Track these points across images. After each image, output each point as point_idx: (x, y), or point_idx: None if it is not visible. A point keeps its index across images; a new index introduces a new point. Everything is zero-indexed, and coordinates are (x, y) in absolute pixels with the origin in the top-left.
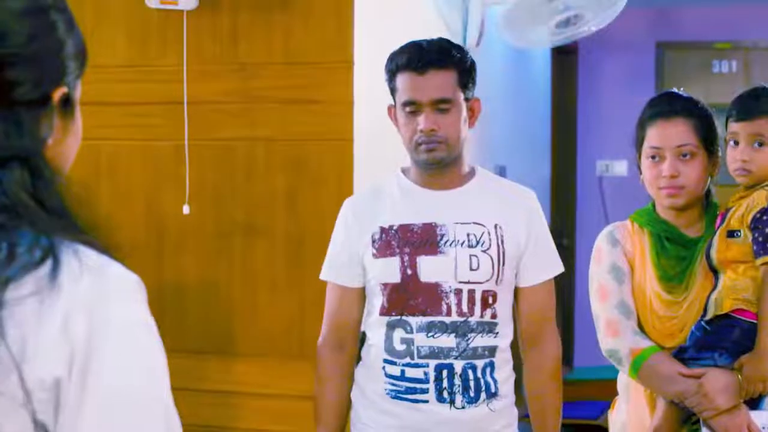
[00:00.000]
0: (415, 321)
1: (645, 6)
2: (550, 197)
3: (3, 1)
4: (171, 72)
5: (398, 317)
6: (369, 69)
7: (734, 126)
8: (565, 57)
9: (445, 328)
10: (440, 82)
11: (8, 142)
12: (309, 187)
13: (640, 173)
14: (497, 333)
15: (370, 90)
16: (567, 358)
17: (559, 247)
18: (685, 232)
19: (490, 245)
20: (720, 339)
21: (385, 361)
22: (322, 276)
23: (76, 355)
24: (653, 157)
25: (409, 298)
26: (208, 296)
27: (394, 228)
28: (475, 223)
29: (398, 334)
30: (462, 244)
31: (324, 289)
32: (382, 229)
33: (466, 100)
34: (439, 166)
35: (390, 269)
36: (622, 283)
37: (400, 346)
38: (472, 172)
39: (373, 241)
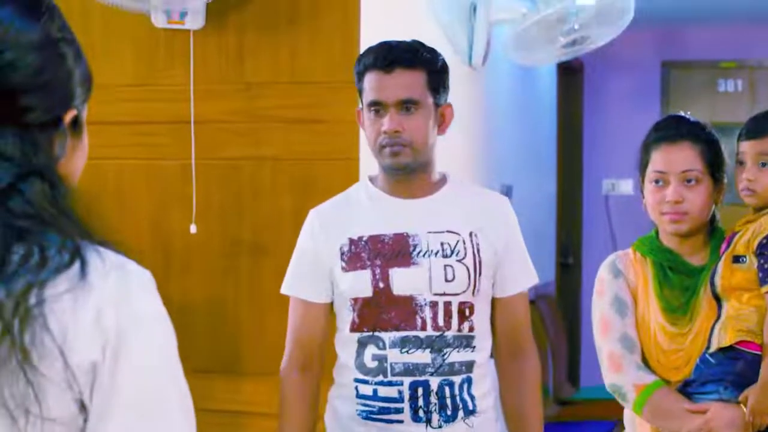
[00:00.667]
0: (387, 336)
1: (650, 25)
2: (556, 215)
3: (16, 35)
4: (177, 91)
5: (370, 333)
6: None
7: (743, 145)
8: (570, 76)
9: (420, 344)
10: (407, 81)
11: (26, 159)
12: (315, 205)
13: (643, 197)
14: (474, 347)
15: None
16: (573, 378)
17: (565, 265)
18: (688, 260)
19: (465, 254)
20: (724, 372)
21: (357, 380)
22: (284, 290)
23: (109, 342)
24: (657, 182)
25: (381, 312)
26: (215, 315)
27: (364, 239)
28: (449, 231)
29: (370, 350)
30: (436, 254)
31: None
32: (351, 241)
33: (437, 105)
34: (404, 171)
35: (361, 283)
36: (624, 316)
37: (371, 363)
38: (443, 180)
39: (342, 254)
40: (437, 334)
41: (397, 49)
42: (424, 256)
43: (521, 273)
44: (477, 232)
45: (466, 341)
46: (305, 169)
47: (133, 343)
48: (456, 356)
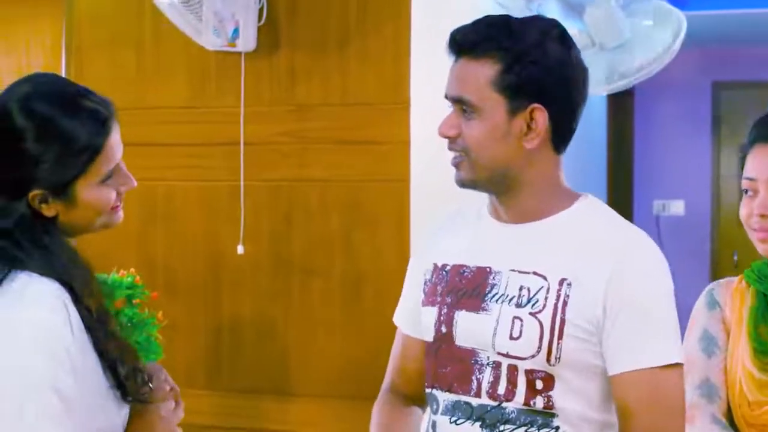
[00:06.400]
0: (442, 398)
1: (700, 46)
2: None
3: None
4: (228, 113)
5: (429, 389)
6: (425, 110)
7: None
8: (620, 98)
9: (469, 413)
10: (464, 75)
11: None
12: (365, 227)
13: None
14: (556, 430)
15: (426, 131)
16: None
17: None
18: None
19: (543, 307)
20: None
21: None
22: (394, 318)
23: None
24: (746, 191)
25: (439, 365)
26: (265, 336)
27: (447, 268)
28: (535, 273)
29: (428, 413)
30: (510, 301)
31: (380, 328)
32: (435, 267)
33: (515, 108)
34: (475, 189)
35: (427, 322)
36: (711, 355)
37: None
38: (567, 201)
39: (425, 282)
40: (493, 404)
41: (467, 30)
42: (497, 300)
43: (642, 343)
44: (572, 279)
45: (540, 421)
46: (354, 191)
47: None
48: None
